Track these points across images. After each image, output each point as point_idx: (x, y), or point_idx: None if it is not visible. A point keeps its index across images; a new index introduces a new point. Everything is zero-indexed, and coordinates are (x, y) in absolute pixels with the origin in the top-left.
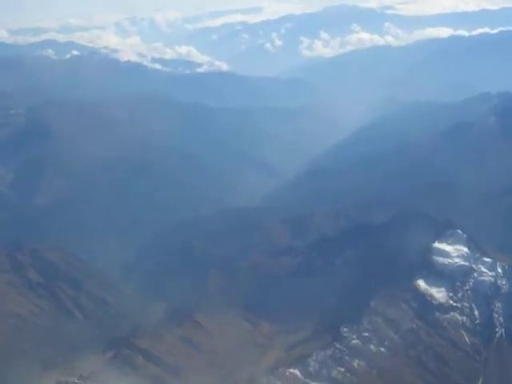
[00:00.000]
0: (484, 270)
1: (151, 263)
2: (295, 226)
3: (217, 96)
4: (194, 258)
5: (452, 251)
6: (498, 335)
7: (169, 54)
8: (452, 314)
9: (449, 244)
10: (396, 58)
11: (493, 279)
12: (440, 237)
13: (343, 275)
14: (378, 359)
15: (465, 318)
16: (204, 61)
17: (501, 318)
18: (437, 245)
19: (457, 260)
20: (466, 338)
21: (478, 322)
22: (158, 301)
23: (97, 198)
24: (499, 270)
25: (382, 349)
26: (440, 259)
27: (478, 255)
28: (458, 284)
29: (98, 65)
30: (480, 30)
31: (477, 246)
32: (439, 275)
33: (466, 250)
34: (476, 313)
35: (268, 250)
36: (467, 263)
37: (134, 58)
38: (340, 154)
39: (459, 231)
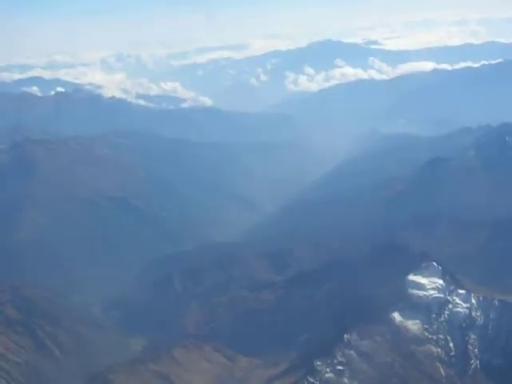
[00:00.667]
0: (459, 301)
1: (132, 299)
2: (275, 260)
3: (200, 131)
4: (173, 292)
5: (427, 283)
6: (472, 367)
7: (154, 90)
8: (427, 346)
9: (424, 276)
10: (379, 92)
11: (467, 311)
12: (415, 269)
13: (321, 309)
14: None
15: (440, 349)
16: (189, 97)
17: (476, 350)
18: (412, 277)
19: (432, 292)
20: (442, 370)
21: (453, 353)
22: (137, 336)
23: (78, 234)
24: (474, 301)
25: (356, 382)
26: (415, 292)
27: (452, 287)
28: (433, 316)
29: (81, 101)
30: (463, 64)
31: (452, 278)
32: (414, 307)
33: (440, 282)
34: (451, 345)
35: (247, 285)
36: (442, 295)
37: (118, 94)
38: (320, 189)
39: (434, 263)
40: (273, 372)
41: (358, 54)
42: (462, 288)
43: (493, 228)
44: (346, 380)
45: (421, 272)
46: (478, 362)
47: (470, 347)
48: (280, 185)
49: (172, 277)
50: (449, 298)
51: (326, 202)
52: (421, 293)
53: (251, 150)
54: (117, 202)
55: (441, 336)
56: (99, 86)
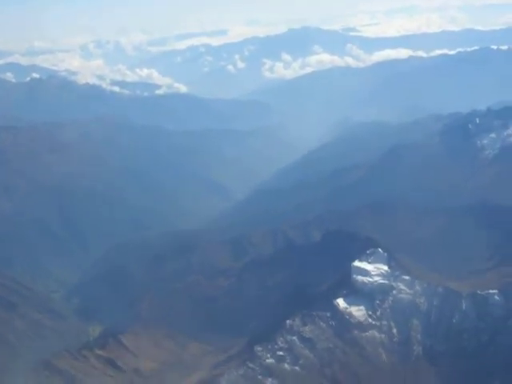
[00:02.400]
0: (403, 288)
1: (92, 285)
2: (234, 247)
3: (174, 118)
4: (132, 279)
5: (372, 270)
6: (415, 353)
7: (130, 77)
8: (370, 332)
9: (369, 263)
10: (355, 79)
11: (411, 297)
12: (361, 256)
13: (272, 296)
14: (291, 378)
15: (383, 335)
16: (164, 83)
17: (418, 336)
18: (357, 264)
19: (377, 278)
20: (384, 356)
21: (396, 339)
22: (96, 323)
23: (42, 221)
24: (418, 288)
25: (297, 367)
26: (360, 278)
27: (397, 273)
28: (378, 302)
29: (55, 88)
30: (438, 51)
31: (398, 264)
32: (359, 294)
33: (386, 268)
34: (394, 331)
35: (204, 272)
36: (387, 281)
37: (93, 81)
38: (289, 175)
39: (380, 250)
40: (221, 358)
41: (336, 40)
42: (407, 274)
43: (449, 214)
44: (286, 365)
45: (366, 258)
46: (420, 348)
47: (413, 333)
48: (252, 172)
49: (131, 264)
50: (393, 284)
51: (290, 189)
52: (366, 279)
53: (225, 137)
54: (82, 189)
55: (384, 322)
56: (74, 73)
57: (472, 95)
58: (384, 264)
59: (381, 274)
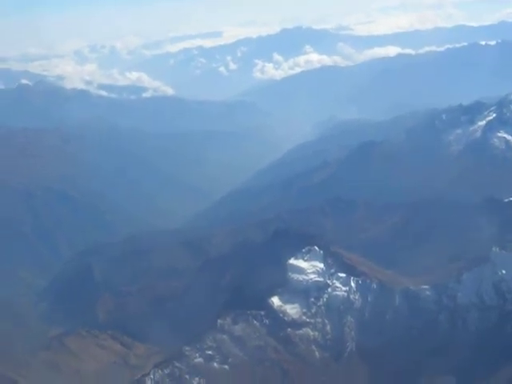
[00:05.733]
0: (338, 285)
1: (58, 289)
2: (193, 248)
3: (158, 120)
4: (93, 282)
5: (308, 267)
6: (348, 349)
7: (121, 81)
8: (304, 329)
9: (305, 260)
10: (342, 79)
11: (346, 294)
12: (297, 254)
13: (221, 296)
14: (220, 377)
15: (317, 333)
16: (152, 86)
17: (352, 333)
18: (293, 261)
19: (312, 276)
20: (317, 353)
21: (329, 336)
22: (58, 327)
23: (11, 225)
24: (353, 284)
25: (226, 366)
26: (295, 276)
27: (333, 271)
28: (312, 300)
29: (42, 93)
30: (427, 49)
31: (335, 262)
32: (294, 292)
33: (321, 266)
34: (328, 328)
35: (161, 273)
36: (322, 279)
37: (81, 86)
38: (266, 175)
39: (316, 248)
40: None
41: (328, 40)
42: (342, 272)
43: (409, 211)
44: (215, 364)
45: (302, 256)
46: (353, 344)
47: (347, 330)
48: (232, 173)
49: (92, 267)
50: (328, 281)
51: (261, 190)
52: (301, 277)
53: (210, 138)
54: (54, 193)
55: (318, 319)
56: (62, 78)
57: (458, 91)
58: (320, 262)
59: (316, 272)
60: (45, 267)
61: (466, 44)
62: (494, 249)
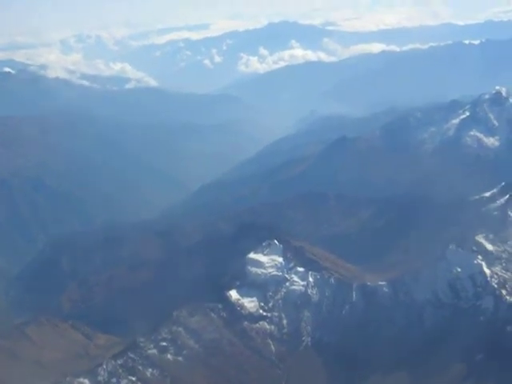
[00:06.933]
0: (296, 279)
1: (29, 278)
2: (164, 239)
3: (140, 112)
4: (62, 272)
5: (267, 261)
6: (304, 344)
7: (105, 71)
8: (261, 323)
9: (264, 254)
10: (325, 74)
11: (304, 289)
12: (257, 248)
13: (185, 287)
14: (173, 368)
15: (273, 327)
16: (135, 77)
17: (308, 327)
18: (252, 255)
19: (271, 270)
20: (272, 347)
21: (285, 330)
22: (26, 316)
23: None
24: (311, 279)
25: (180, 358)
26: (254, 269)
27: (291, 265)
28: (270, 294)
29: (23, 82)
30: (411, 46)
31: (295, 256)
32: (252, 285)
33: (280, 260)
34: (284, 322)
35: (130, 263)
36: (280, 273)
37: (64, 75)
38: (245, 169)
39: (276, 242)
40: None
41: (314, 35)
42: (302, 266)
43: (377, 206)
44: (169, 356)
45: (262, 250)
46: (309, 338)
47: (303, 324)
48: (212, 165)
49: (62, 257)
50: (287, 276)
51: (237, 182)
52: (259, 271)
53: (191, 131)
54: (30, 182)
55: (275, 313)
56: (45, 67)
57: (440, 89)
58: (279, 256)
59: (275, 266)
60: (20, 256)
61: (450, 42)
62: (450, 247)
